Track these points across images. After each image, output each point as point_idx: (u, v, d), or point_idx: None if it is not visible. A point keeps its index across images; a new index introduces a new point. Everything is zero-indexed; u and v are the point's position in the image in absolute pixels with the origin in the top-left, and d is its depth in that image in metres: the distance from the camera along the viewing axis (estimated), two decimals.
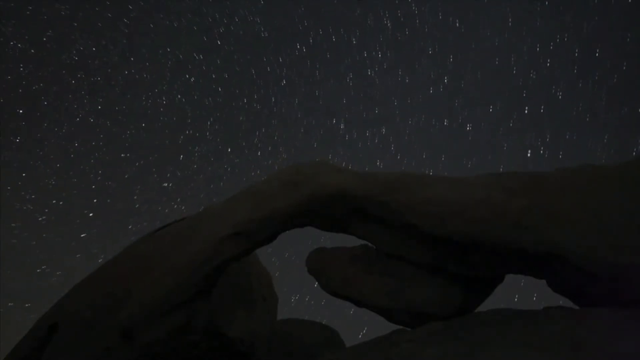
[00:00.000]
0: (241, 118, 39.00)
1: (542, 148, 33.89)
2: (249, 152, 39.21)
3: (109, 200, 34.54)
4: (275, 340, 10.05)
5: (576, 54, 32.14)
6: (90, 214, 33.60)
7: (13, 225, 30.89)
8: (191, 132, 37.82)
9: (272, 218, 7.14)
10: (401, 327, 6.75)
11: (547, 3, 32.46)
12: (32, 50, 30.94)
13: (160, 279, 7.08)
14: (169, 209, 36.14)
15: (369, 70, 38.77)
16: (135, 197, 35.36)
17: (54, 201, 32.42)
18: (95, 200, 33.99)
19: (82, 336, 7.22)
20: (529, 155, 34.36)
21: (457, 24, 35.75)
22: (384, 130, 39.23)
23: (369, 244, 7.61)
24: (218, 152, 38.75)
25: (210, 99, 38.08)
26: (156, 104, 36.35)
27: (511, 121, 35.54)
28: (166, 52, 35.54)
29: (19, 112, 31.61)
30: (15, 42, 29.76)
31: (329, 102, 40.13)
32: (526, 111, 34.67)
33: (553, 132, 33.84)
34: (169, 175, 36.63)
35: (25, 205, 31.54)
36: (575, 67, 32.44)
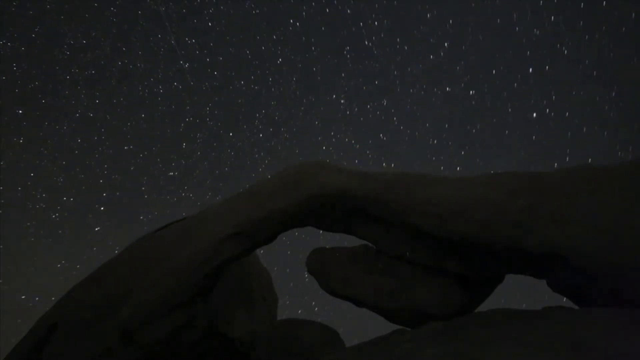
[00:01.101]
0: (240, 101, 38.14)
1: (547, 108, 32.64)
2: (251, 134, 38.56)
3: (117, 193, 34.80)
4: (275, 340, 10.05)
5: (582, 6, 30.99)
6: (102, 208, 34.06)
7: (28, 224, 31.71)
8: (191, 119, 37.26)
9: (272, 218, 7.14)
10: (401, 327, 6.75)
11: None
12: (23, 48, 30.57)
13: (161, 279, 7.08)
14: (177, 197, 36.30)
15: (366, 41, 37.34)
16: (143, 188, 35.53)
17: (64, 198, 32.98)
18: (104, 194, 34.34)
19: (82, 336, 7.22)
20: (534, 116, 33.43)
21: None
22: (385, 102, 38.19)
23: (369, 244, 7.61)
24: (220, 137, 38.25)
25: (207, 83, 37.27)
26: (153, 93, 35.79)
27: (515, 83, 34.19)
28: (157, 38, 34.59)
29: (19, 112, 31.58)
30: (4, 40, 29.52)
31: (327, 77, 39.10)
32: (530, 71, 33.18)
33: (559, 90, 32.45)
34: (173, 164, 36.51)
35: (37, 204, 32.22)
36: (581, 20, 31.08)
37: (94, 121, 34.05)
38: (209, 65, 36.55)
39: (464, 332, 4.97)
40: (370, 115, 38.60)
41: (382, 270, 7.06)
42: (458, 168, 36.90)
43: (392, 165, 38.88)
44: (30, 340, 7.72)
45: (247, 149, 38.49)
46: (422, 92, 37.15)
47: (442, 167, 37.58)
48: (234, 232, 7.09)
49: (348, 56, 37.81)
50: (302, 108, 39.01)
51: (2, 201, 30.76)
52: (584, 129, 32.12)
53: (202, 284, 7.12)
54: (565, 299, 5.91)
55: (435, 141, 37.35)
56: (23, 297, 30.01)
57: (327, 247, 8.03)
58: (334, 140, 39.42)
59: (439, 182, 6.62)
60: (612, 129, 31.12)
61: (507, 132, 35.07)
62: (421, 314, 6.46)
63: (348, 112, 38.82)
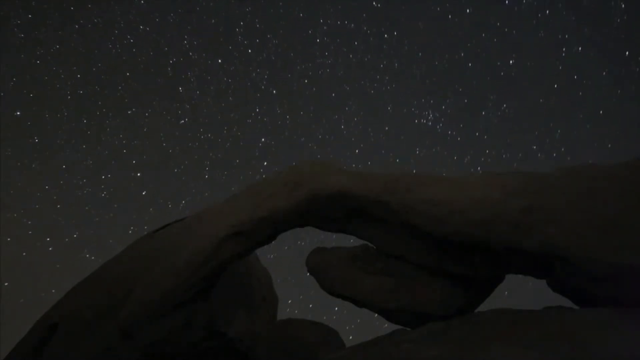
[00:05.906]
0: (213, 21, 34.64)
1: None
2: (240, 54, 35.43)
3: (144, 157, 34.94)
4: (275, 340, 10.05)
5: None
6: (138, 174, 34.76)
7: (87, 208, 33.74)
8: (174, 59, 34.80)
9: (272, 218, 7.15)
10: (401, 327, 6.75)
11: None
12: None
13: (160, 279, 7.09)
14: (197, 142, 36.07)
15: None
16: (164, 145, 35.44)
17: (102, 177, 34.00)
18: (134, 162, 34.59)
19: (82, 336, 7.22)
20: None
21: None
22: None
23: (369, 244, 7.61)
24: (211, 68, 35.67)
25: (172, 14, 33.56)
26: (125, 47, 33.35)
27: None
28: None
29: (17, 114, 31.26)
30: None
31: None
32: None
33: None
34: (180, 112, 35.61)
35: (84, 189, 33.71)
36: None
37: (88, 97, 33.06)
38: None
39: (464, 332, 4.98)
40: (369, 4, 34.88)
41: (382, 270, 7.06)
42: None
43: (395, 33, 34.67)
44: (30, 340, 7.73)
45: (241, 71, 36.08)
46: None
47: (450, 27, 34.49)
48: (234, 232, 7.10)
49: None
50: (280, 3, 34.76)
51: (55, 197, 32.87)
52: None
53: (202, 284, 7.12)
54: (565, 298, 5.91)
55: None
56: None
57: (328, 247, 8.04)
58: (325, 27, 35.72)
59: (439, 182, 6.62)
60: None
61: None
62: (421, 314, 6.46)
63: (340, 7, 35.19)
